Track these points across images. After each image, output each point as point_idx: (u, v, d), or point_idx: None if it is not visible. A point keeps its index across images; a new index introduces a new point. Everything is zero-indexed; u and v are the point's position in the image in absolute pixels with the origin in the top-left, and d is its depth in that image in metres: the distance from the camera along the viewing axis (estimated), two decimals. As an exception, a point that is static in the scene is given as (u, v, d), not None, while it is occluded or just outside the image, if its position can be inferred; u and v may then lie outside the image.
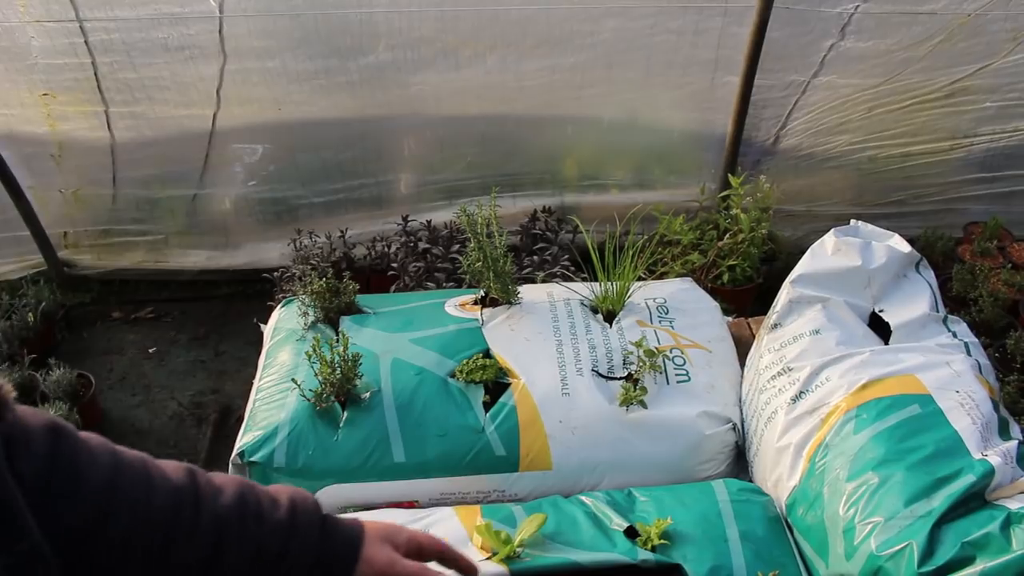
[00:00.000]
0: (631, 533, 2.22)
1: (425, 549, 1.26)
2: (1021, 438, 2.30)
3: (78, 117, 3.64)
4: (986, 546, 1.89)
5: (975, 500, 2.03)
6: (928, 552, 1.92)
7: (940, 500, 2.01)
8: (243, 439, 2.59)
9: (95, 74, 3.49)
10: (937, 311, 2.65)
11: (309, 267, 3.52)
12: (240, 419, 2.74)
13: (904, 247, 2.72)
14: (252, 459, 2.53)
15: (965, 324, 2.65)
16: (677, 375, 2.70)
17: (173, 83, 3.54)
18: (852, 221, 2.84)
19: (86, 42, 3.38)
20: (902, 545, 1.95)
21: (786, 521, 2.34)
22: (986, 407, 2.29)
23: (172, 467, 1.14)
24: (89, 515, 1.02)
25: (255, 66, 3.52)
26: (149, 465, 1.12)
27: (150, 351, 3.87)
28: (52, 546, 0.95)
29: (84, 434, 1.09)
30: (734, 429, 2.61)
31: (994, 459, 2.08)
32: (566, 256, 3.62)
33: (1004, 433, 2.29)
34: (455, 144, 3.90)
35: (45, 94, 3.54)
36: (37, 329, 3.71)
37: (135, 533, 1.05)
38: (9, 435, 0.97)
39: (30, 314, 3.69)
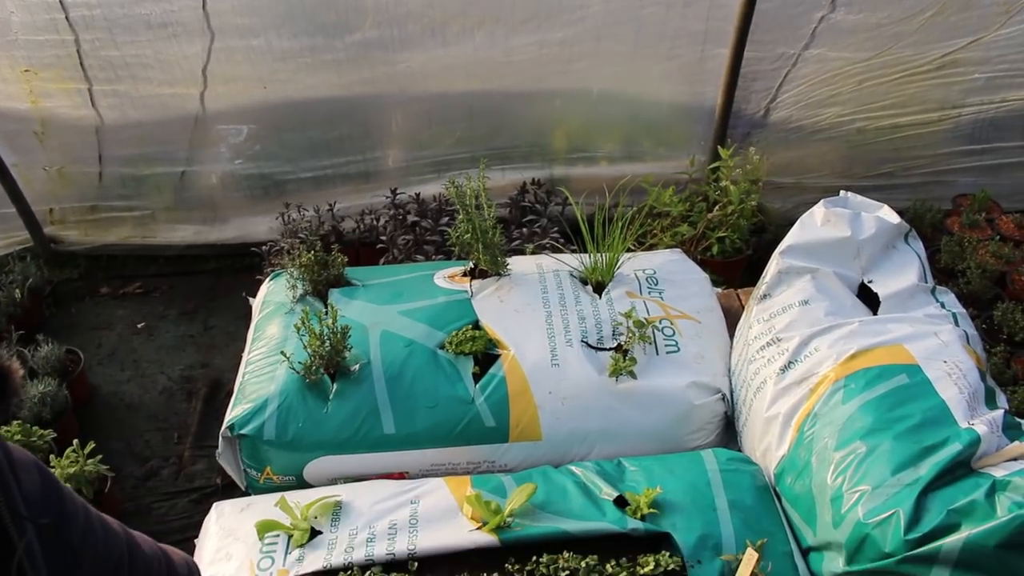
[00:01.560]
0: (621, 502, 2.23)
1: None
2: (1007, 407, 2.32)
3: (61, 94, 3.59)
4: (971, 513, 1.91)
5: (961, 468, 2.05)
6: (914, 519, 1.94)
7: (927, 468, 2.03)
8: (233, 412, 2.59)
9: (77, 51, 3.44)
10: (926, 282, 2.66)
11: (297, 240, 3.50)
12: (230, 393, 2.74)
13: (893, 218, 2.72)
14: (242, 432, 2.54)
15: (953, 295, 2.67)
16: (666, 346, 2.70)
17: (156, 61, 3.49)
18: (841, 192, 2.84)
19: (67, 18, 3.33)
20: (889, 513, 1.97)
21: (775, 490, 2.36)
22: (973, 377, 2.30)
23: None
24: None
25: (239, 44, 3.47)
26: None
27: (139, 326, 3.85)
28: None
29: None
30: (723, 399, 2.62)
31: (980, 428, 2.10)
32: (555, 228, 3.61)
33: (991, 402, 2.31)
34: (443, 120, 3.87)
35: (27, 70, 3.49)
36: (24, 305, 3.68)
37: None
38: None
39: (17, 290, 3.67)
